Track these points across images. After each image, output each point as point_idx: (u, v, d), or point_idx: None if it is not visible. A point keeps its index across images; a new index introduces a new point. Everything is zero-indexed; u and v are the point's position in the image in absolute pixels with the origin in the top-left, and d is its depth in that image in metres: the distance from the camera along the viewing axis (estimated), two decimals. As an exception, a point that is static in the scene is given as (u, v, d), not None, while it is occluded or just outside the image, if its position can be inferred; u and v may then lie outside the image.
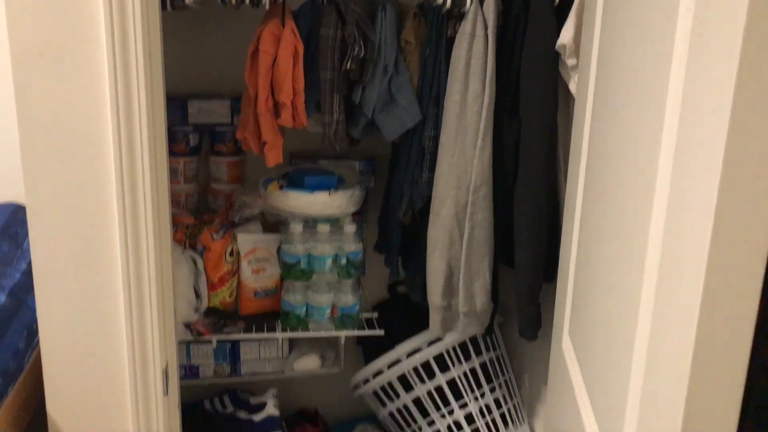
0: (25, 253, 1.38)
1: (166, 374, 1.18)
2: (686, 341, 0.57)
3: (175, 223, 1.53)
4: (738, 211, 0.54)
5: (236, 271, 1.56)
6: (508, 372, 1.69)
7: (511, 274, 1.50)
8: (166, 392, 1.18)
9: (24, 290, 1.28)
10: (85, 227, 1.09)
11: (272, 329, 1.59)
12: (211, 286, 1.53)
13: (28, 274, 1.30)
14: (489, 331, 1.49)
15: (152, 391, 1.16)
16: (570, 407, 1.05)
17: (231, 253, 1.53)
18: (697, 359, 0.56)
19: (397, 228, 1.52)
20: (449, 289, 1.42)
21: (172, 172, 1.60)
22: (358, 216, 1.66)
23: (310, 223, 1.54)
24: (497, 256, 1.43)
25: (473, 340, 1.63)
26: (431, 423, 1.61)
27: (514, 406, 1.66)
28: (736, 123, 0.52)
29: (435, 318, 1.45)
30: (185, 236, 1.55)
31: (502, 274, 1.49)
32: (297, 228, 1.50)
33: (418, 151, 1.42)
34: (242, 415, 1.68)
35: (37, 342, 1.24)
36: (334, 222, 1.55)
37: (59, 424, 1.15)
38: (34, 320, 1.22)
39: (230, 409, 1.72)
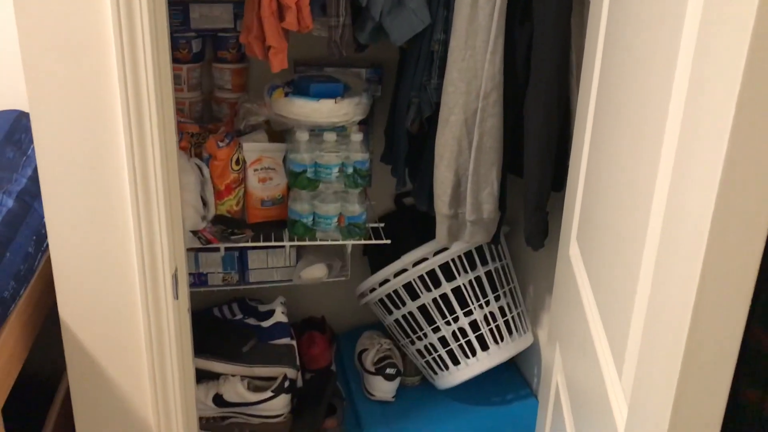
0: (30, 159, 1.37)
1: (175, 279, 1.19)
2: (697, 247, 0.56)
3: (180, 131, 1.51)
4: (758, 114, 0.52)
5: (242, 180, 1.55)
6: (512, 281, 1.70)
7: (518, 184, 1.49)
8: (176, 296, 1.19)
9: (31, 195, 1.28)
10: (89, 133, 1.08)
11: (279, 238, 1.60)
12: (218, 195, 1.53)
13: (34, 179, 1.30)
14: (495, 239, 1.49)
15: (162, 296, 1.17)
16: (576, 312, 1.06)
17: (237, 162, 1.52)
18: (707, 264, 0.55)
19: (403, 137, 1.50)
20: (456, 198, 1.42)
21: (175, 80, 1.57)
22: (365, 126, 1.64)
23: (316, 132, 1.52)
24: (505, 164, 1.41)
25: (479, 249, 1.64)
26: (436, 330, 1.64)
27: (519, 315, 1.69)
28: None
29: (442, 227, 1.45)
30: (190, 145, 1.53)
31: (510, 183, 1.48)
32: (303, 136, 1.48)
33: (426, 57, 1.38)
34: (251, 321, 1.71)
35: (47, 246, 1.25)
36: (341, 130, 1.53)
37: (72, 327, 1.17)
38: (43, 225, 1.22)
39: (239, 316, 1.76)
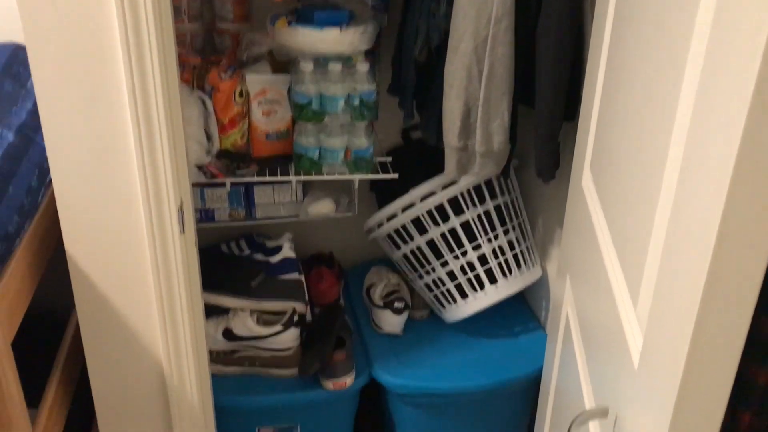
0: (30, 93, 1.34)
1: (181, 212, 1.18)
2: (723, 171, 0.53)
3: (182, 63, 1.47)
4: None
5: (246, 113, 1.52)
6: (521, 215, 1.68)
7: (528, 115, 1.45)
8: (182, 230, 1.18)
9: (32, 129, 1.25)
10: (88, 65, 1.04)
11: (286, 173, 1.58)
12: (222, 128, 1.50)
13: (34, 113, 1.27)
14: (505, 172, 1.47)
15: (168, 229, 1.16)
16: (589, 243, 1.04)
17: (240, 94, 1.49)
18: (734, 189, 0.53)
19: (411, 67, 1.46)
20: (466, 130, 1.38)
21: (175, 11, 1.51)
22: (371, 56, 1.59)
23: (321, 62, 1.48)
24: (516, 94, 1.37)
25: (488, 183, 1.61)
26: (444, 264, 1.63)
27: (527, 248, 1.68)
28: None
29: (451, 159, 1.42)
30: (192, 77, 1.50)
31: (520, 114, 1.44)
32: (307, 67, 1.44)
33: (435, -19, 1.33)
34: (259, 257, 1.71)
35: (50, 181, 1.23)
36: (346, 61, 1.49)
37: (78, 261, 1.16)
38: (45, 159, 1.20)
39: (247, 252, 1.75)
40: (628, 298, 0.80)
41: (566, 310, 1.21)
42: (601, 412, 0.82)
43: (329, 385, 1.54)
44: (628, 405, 0.75)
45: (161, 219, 1.15)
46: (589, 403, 0.94)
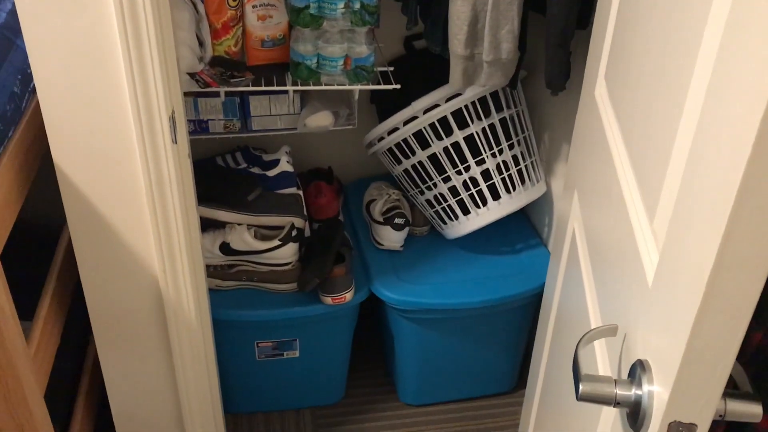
0: (8, -8, 1.25)
1: (172, 121, 1.12)
2: (760, 82, 0.48)
3: (170, -39, 1.37)
4: None
5: (241, 18, 1.44)
6: (527, 130, 1.63)
7: (538, 23, 1.37)
8: (174, 140, 1.13)
9: (13, 31, 1.18)
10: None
11: (282, 82, 1.51)
12: (215, 34, 1.42)
13: (15, 14, 1.19)
14: (513, 83, 1.40)
15: (160, 138, 1.11)
16: (601, 156, 0.99)
17: (234, -3, 1.40)
18: None
19: (416, -32, 1.37)
20: (473, 37, 1.31)
21: None
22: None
23: (320, -37, 1.38)
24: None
25: (494, 95, 1.55)
26: (447, 179, 1.59)
27: (532, 164, 1.63)
28: None
29: (456, 69, 1.35)
30: (182, -22, 1.40)
31: (530, 22, 1.36)
32: (305, -33, 1.35)
33: None
34: (256, 170, 1.66)
35: (34, 87, 1.17)
36: (347, -39, 1.39)
37: (67, 172, 1.12)
38: (28, 64, 1.13)
39: (243, 165, 1.70)
40: (644, 214, 0.76)
41: (572, 226, 1.17)
42: (610, 331, 0.79)
43: (328, 300, 1.52)
44: (639, 323, 0.72)
45: (152, 128, 1.09)
46: (595, 321, 0.92)
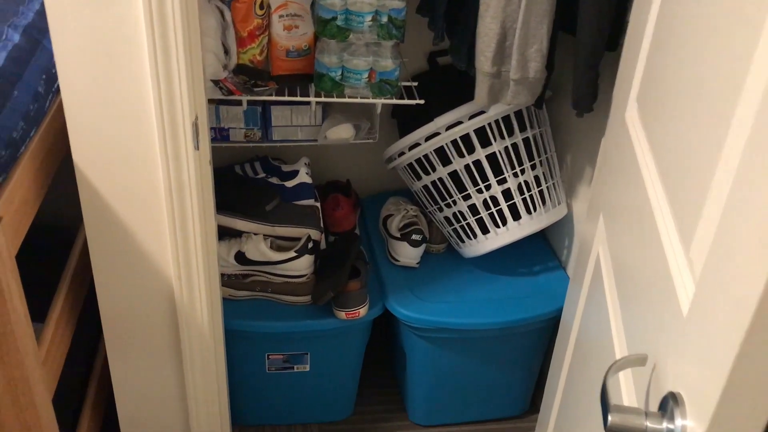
0: (37, -8, 1.25)
1: (195, 128, 1.11)
2: None
3: (199, -33, 1.37)
4: None
5: (267, 27, 1.43)
6: (550, 150, 1.61)
7: (565, 42, 1.36)
8: (196, 147, 1.12)
9: (40, 31, 1.17)
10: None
11: (305, 93, 1.50)
12: (240, 42, 1.41)
13: (42, 14, 1.19)
14: (539, 102, 1.38)
15: (182, 144, 1.10)
16: (631, 180, 0.97)
17: (261, 6, 1.39)
18: None
19: (445, -17, 1.36)
20: (501, 54, 1.29)
21: None
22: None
23: (349, -25, 1.38)
24: (556, 19, 1.28)
25: (517, 114, 1.53)
26: (467, 197, 1.57)
27: (554, 185, 1.61)
28: None
29: (482, 86, 1.33)
30: (211, -16, 1.40)
31: (558, 42, 1.35)
32: (334, -21, 1.34)
33: None
34: (274, 180, 1.65)
35: (58, 88, 1.17)
36: (376, -26, 1.39)
37: (87, 174, 1.11)
38: (53, 64, 1.13)
39: (262, 175, 1.69)
40: (678, 242, 0.73)
41: (596, 250, 1.15)
42: (639, 360, 0.77)
43: (342, 314, 1.50)
44: (671, 354, 0.69)
45: (175, 133, 1.09)
46: (620, 349, 0.89)
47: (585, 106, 1.29)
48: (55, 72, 1.06)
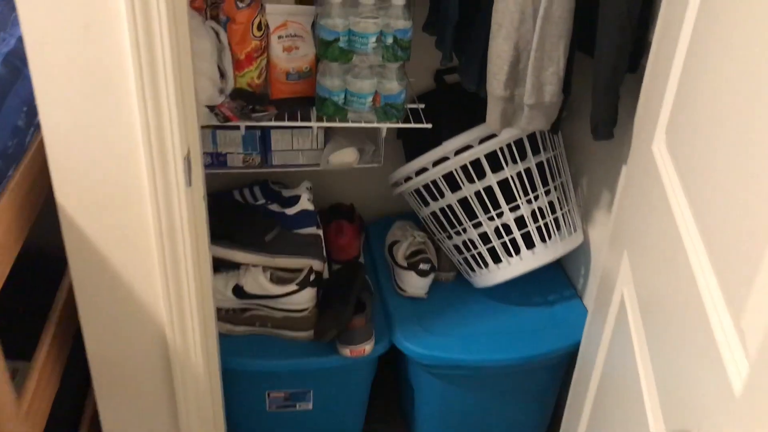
0: (19, 17, 1.17)
1: (188, 162, 1.03)
2: None
3: (193, -13, 1.29)
4: None
5: (265, 49, 1.35)
6: (565, 174, 1.52)
7: (582, 62, 1.27)
8: (188, 183, 1.04)
9: (21, 59, 1.09)
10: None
11: (306, 117, 1.42)
12: (238, 65, 1.33)
13: (23, 41, 1.12)
14: (555, 127, 1.30)
15: (173, 181, 1.02)
16: (660, 219, 0.89)
17: (259, 27, 1.31)
18: None
19: (454, 1, 1.28)
20: (514, 77, 1.21)
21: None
22: (407, -12, 1.41)
23: (351, -7, 1.30)
24: (573, 38, 1.19)
25: (530, 137, 1.45)
26: (477, 225, 1.48)
27: (569, 211, 1.52)
28: None
29: (494, 110, 1.25)
30: (206, 4, 1.32)
31: (574, 62, 1.27)
32: (336, -2, 1.26)
33: None
34: (274, 208, 1.57)
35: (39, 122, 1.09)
36: (380, -8, 1.31)
37: (71, 213, 1.03)
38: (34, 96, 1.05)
39: (261, 201, 1.61)
40: (725, 309, 0.65)
41: (621, 290, 1.06)
42: (681, 437, 0.68)
43: (346, 351, 1.42)
44: (720, 435, 0.61)
45: (165, 170, 1.00)
46: (654, 415, 0.81)
47: (605, 132, 1.20)
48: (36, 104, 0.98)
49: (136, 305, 1.12)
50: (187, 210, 1.05)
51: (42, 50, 0.91)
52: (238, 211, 1.55)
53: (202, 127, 1.47)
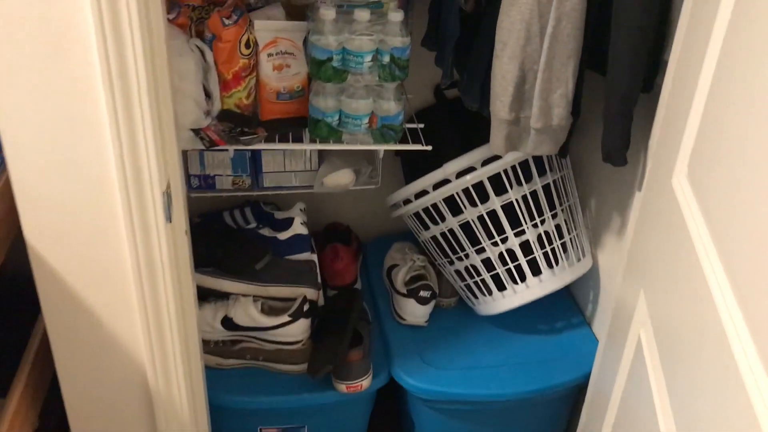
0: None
1: (167, 197, 0.95)
2: None
3: (176, 2, 1.22)
4: None
5: (254, 67, 1.27)
6: (573, 196, 1.44)
7: (591, 80, 1.19)
8: (169, 218, 0.96)
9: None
10: (46, 6, 0.80)
11: (299, 139, 1.34)
12: (224, 85, 1.25)
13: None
14: (563, 151, 1.22)
15: (152, 217, 0.94)
16: (681, 257, 0.81)
17: (247, 45, 1.23)
18: None
19: (454, 18, 1.20)
20: (519, 99, 1.13)
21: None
22: (404, 1, 1.33)
23: (345, 9, 1.22)
24: (583, 57, 1.12)
25: (537, 157, 1.37)
26: (481, 251, 1.40)
27: (578, 235, 1.44)
28: None
29: (498, 134, 1.17)
30: (190, 21, 1.24)
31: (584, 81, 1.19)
32: (329, 14, 1.18)
33: None
34: (266, 232, 1.48)
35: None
36: (376, 7, 1.23)
37: (41, 252, 0.95)
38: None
39: (252, 224, 1.53)
40: (752, 349, 0.58)
41: (638, 330, 0.98)
42: None
43: (342, 387, 1.34)
44: None
45: (142, 206, 0.93)
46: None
47: (619, 157, 1.12)
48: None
49: (115, 346, 1.04)
50: (168, 247, 0.97)
51: (5, 80, 0.83)
52: (228, 237, 1.47)
53: (187, 152, 1.39)
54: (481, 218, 1.38)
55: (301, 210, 1.53)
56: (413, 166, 1.58)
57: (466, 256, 1.43)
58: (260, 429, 1.42)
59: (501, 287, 1.42)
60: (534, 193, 1.37)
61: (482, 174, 1.33)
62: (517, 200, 1.36)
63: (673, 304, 0.83)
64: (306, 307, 1.37)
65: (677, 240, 0.84)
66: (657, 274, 0.92)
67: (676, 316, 0.82)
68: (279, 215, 1.54)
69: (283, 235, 1.47)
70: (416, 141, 1.36)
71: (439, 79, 1.56)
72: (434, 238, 1.47)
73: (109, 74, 0.84)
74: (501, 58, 1.11)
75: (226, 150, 1.36)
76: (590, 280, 1.51)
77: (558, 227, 1.41)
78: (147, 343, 1.03)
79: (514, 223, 1.38)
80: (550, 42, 1.06)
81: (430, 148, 1.34)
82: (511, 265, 1.39)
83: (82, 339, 1.03)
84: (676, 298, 0.83)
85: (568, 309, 1.57)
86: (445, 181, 1.36)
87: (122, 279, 0.98)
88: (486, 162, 1.33)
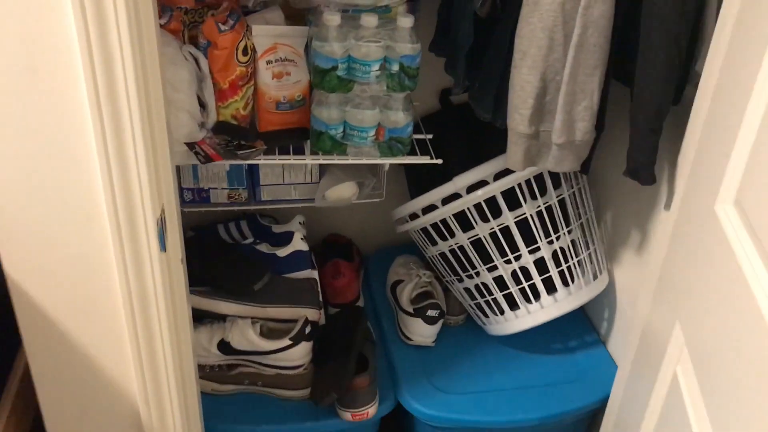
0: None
1: (161, 224, 0.87)
2: None
3: (167, 5, 1.13)
4: None
5: (252, 76, 1.18)
6: (589, 211, 1.37)
7: (614, 92, 1.12)
8: (163, 248, 0.87)
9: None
10: (28, 20, 0.71)
11: (300, 151, 1.26)
12: (221, 95, 1.16)
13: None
14: (585, 167, 1.14)
15: (144, 247, 0.85)
16: (727, 292, 0.74)
17: (244, 51, 1.15)
18: None
19: (468, 23, 1.12)
20: (539, 112, 1.06)
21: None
22: (412, 4, 1.25)
23: (351, 14, 1.13)
24: (609, 68, 1.04)
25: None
26: (492, 268, 1.33)
27: (594, 252, 1.37)
28: None
29: (516, 149, 1.09)
30: (183, 26, 1.15)
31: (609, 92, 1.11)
32: (333, 19, 1.10)
33: None
34: (263, 248, 1.40)
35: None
36: (383, 12, 1.15)
37: (22, 285, 0.86)
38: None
39: (249, 239, 1.44)
40: None
41: (673, 365, 0.91)
42: None
43: (347, 415, 1.26)
44: None
45: (134, 235, 0.84)
46: None
47: (647, 177, 1.05)
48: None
49: (104, 383, 0.96)
50: (162, 279, 0.88)
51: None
52: (224, 254, 1.39)
53: (180, 167, 1.31)
54: (493, 234, 1.30)
55: (300, 223, 1.45)
56: (418, 177, 1.51)
57: (477, 273, 1.35)
58: (259, 457, 1.34)
59: (514, 307, 1.34)
60: (549, 208, 1.30)
61: (495, 189, 1.25)
62: (531, 215, 1.28)
63: (724, 346, 0.76)
64: (307, 330, 1.29)
65: (725, 273, 0.77)
66: (698, 307, 0.85)
67: (727, 359, 0.75)
68: (277, 229, 1.46)
69: (282, 252, 1.38)
70: (424, 152, 1.29)
71: (445, 84, 1.50)
72: (442, 254, 1.39)
73: (96, 93, 0.76)
74: (520, 69, 1.03)
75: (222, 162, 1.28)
76: (605, 297, 1.44)
77: (573, 243, 1.33)
78: (140, 378, 0.95)
79: (528, 239, 1.30)
80: (576, 51, 0.98)
81: (440, 161, 1.26)
82: (524, 284, 1.32)
83: (69, 375, 0.94)
84: (726, 338, 0.76)
85: (582, 327, 1.50)
86: (455, 195, 1.28)
87: (112, 313, 0.89)
88: (498, 175, 1.25)
